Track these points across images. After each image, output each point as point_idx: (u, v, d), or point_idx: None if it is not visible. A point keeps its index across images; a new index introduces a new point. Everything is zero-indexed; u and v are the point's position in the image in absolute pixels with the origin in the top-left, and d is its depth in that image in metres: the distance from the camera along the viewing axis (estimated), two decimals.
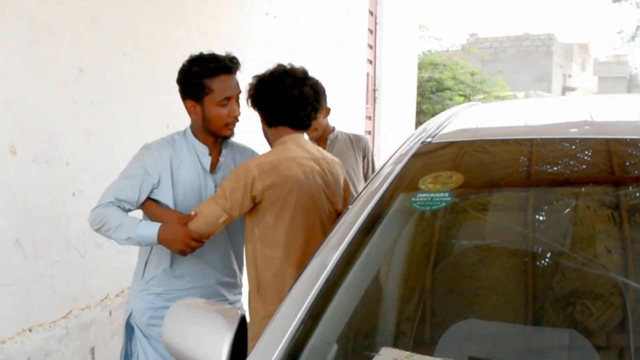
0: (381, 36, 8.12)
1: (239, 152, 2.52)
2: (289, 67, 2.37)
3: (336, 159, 2.50)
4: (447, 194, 1.36)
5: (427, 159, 1.55)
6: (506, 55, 22.91)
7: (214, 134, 2.37)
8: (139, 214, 2.34)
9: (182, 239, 2.16)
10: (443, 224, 1.43)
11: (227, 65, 2.29)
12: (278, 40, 5.04)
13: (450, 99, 11.90)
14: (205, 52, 2.35)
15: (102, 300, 3.24)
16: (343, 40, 6.77)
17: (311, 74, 2.39)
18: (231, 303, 2.51)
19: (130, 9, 3.29)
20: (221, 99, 2.28)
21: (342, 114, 6.16)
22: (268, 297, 2.24)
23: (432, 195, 1.36)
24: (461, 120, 1.73)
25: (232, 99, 2.32)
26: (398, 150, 1.69)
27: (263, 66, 5.14)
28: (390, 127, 8.54)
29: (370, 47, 7.81)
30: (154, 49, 3.49)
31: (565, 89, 26.51)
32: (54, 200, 2.88)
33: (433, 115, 12.49)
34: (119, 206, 2.24)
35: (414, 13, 10.09)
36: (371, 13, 7.78)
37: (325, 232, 2.33)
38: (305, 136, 2.47)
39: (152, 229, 2.20)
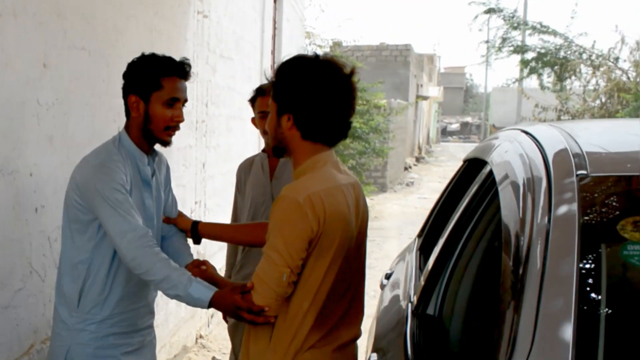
0: (280, 42, 7.96)
1: (160, 160, 2.36)
2: (330, 56, 1.89)
3: (356, 179, 2.01)
4: None
5: (604, 198, 1.36)
6: (367, 63, 23.67)
7: (153, 138, 2.20)
8: None
9: (234, 311, 1.87)
10: None
11: (183, 70, 2.19)
12: (208, 40, 4.74)
13: None
14: (149, 51, 2.23)
15: None
16: (258, 45, 6.57)
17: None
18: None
19: None
20: (168, 98, 2.14)
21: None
22: (280, 349, 1.85)
23: None
24: (591, 146, 1.51)
25: (179, 102, 2.19)
26: (534, 184, 1.41)
27: (195, 68, 4.78)
28: None
29: (272, 53, 7.64)
30: (108, 44, 3.10)
31: (419, 97, 27.92)
32: (18, 218, 2.44)
33: None
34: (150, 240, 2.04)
35: (302, 19, 10.04)
36: (274, 20, 7.61)
37: (352, 271, 1.92)
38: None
39: (205, 294, 1.95)
